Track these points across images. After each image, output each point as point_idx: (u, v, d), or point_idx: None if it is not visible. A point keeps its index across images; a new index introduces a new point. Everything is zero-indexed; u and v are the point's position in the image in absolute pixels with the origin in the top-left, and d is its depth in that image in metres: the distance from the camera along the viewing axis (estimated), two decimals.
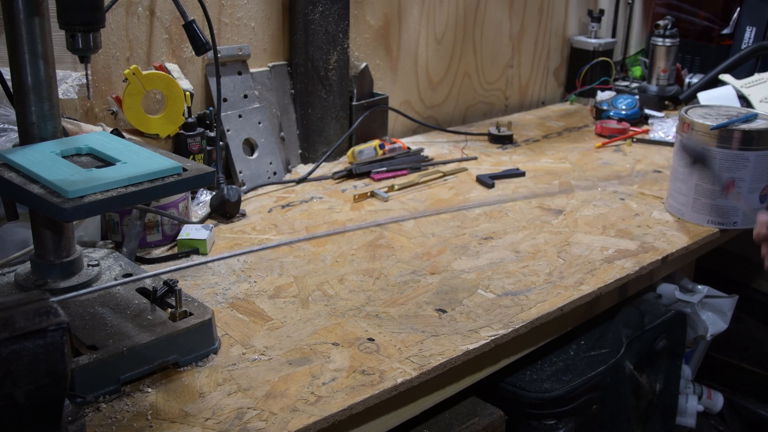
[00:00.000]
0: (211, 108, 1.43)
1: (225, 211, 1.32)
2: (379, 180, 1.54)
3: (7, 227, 1.10)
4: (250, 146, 1.52)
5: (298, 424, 0.80)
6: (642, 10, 2.37)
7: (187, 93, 1.36)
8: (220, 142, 1.41)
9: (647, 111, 1.99)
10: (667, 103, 2.10)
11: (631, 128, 1.88)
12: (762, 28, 2.12)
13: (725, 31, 2.20)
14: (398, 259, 1.19)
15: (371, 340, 0.96)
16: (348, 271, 1.15)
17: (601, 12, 2.17)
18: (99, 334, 0.87)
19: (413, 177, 1.54)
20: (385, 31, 1.75)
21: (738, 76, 1.97)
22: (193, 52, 1.28)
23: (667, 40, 2.07)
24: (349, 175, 1.56)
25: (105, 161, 0.90)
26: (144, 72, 1.29)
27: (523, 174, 1.59)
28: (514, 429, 1.10)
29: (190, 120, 1.38)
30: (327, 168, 1.60)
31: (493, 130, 1.84)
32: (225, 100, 1.47)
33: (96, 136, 0.98)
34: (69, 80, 1.25)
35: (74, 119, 1.24)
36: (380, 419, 0.91)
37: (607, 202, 1.45)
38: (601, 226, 1.33)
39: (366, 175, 1.56)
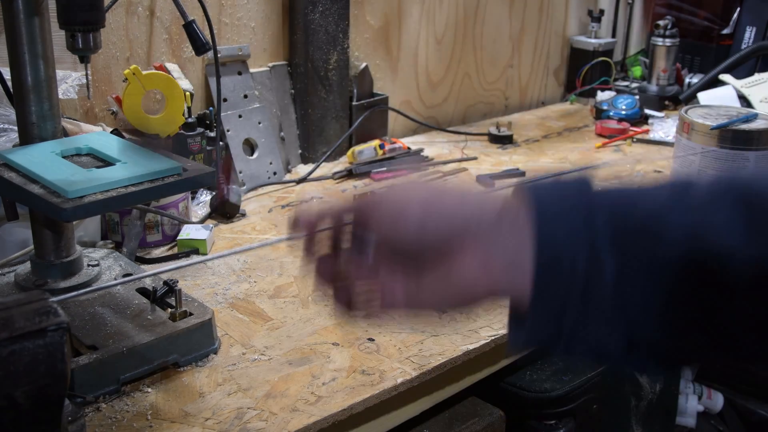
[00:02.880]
0: (211, 108, 1.43)
1: (225, 211, 1.32)
2: (379, 180, 1.54)
3: (7, 227, 1.10)
4: (250, 146, 1.52)
5: (298, 424, 0.80)
6: (642, 10, 2.37)
7: (187, 93, 1.36)
8: (220, 142, 1.41)
9: (647, 111, 1.99)
10: (667, 103, 2.10)
11: (631, 128, 1.88)
12: (762, 28, 2.12)
13: (725, 31, 2.20)
14: None
15: (371, 340, 0.96)
16: None
17: (601, 12, 2.17)
18: (99, 334, 0.87)
19: (413, 177, 1.53)
20: (385, 31, 1.75)
21: (738, 76, 1.97)
22: (193, 52, 1.28)
23: (667, 40, 2.07)
24: (349, 175, 1.56)
25: (105, 161, 0.90)
26: (144, 72, 1.29)
27: (523, 174, 1.59)
28: (514, 429, 1.10)
29: (190, 120, 1.37)
30: (327, 168, 1.60)
31: (493, 130, 1.84)
32: (225, 100, 1.47)
33: (96, 136, 0.98)
34: (69, 80, 1.25)
35: (74, 119, 1.24)
36: (380, 419, 0.91)
37: None
38: None
39: (366, 175, 1.56)
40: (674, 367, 0.53)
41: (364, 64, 1.67)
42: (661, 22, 2.09)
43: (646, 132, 1.87)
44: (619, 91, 2.12)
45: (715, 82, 2.03)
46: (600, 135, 1.87)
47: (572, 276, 0.47)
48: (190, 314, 0.91)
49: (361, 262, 0.55)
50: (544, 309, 0.48)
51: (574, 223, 0.48)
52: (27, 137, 0.90)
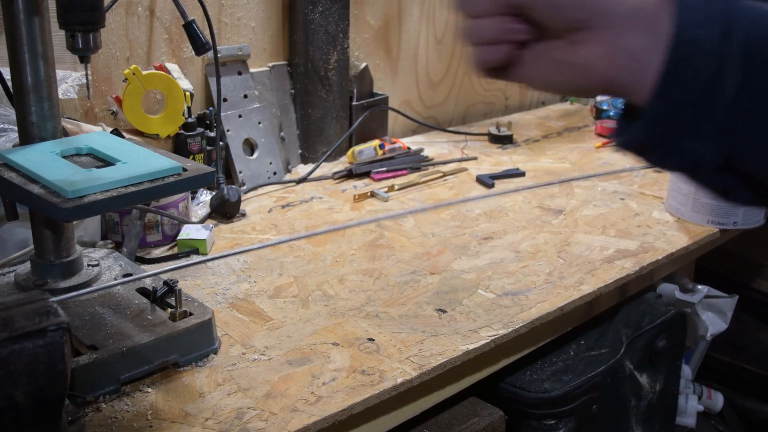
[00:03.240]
0: (211, 108, 1.43)
1: (225, 211, 1.32)
2: (379, 180, 1.54)
3: (7, 227, 1.10)
4: (250, 146, 1.52)
5: (298, 424, 0.80)
6: None
7: (187, 93, 1.36)
8: (220, 142, 1.41)
9: None
10: None
11: None
12: None
13: None
14: (398, 259, 1.19)
15: (371, 340, 0.96)
16: (348, 271, 1.15)
17: None
18: (99, 334, 0.87)
19: (413, 177, 1.54)
20: (385, 31, 1.75)
21: None
22: (193, 52, 1.28)
23: None
24: (349, 175, 1.56)
25: (105, 161, 0.90)
26: (144, 72, 1.29)
27: (523, 174, 1.59)
28: (514, 429, 1.10)
29: (190, 120, 1.38)
30: (327, 168, 1.60)
31: (493, 130, 1.84)
32: (225, 100, 1.47)
33: (96, 136, 0.98)
34: (69, 80, 1.25)
35: (74, 119, 1.24)
36: (380, 419, 0.91)
37: (607, 202, 1.45)
38: (601, 226, 1.33)
39: (366, 175, 1.56)
40: (760, 202, 0.54)
41: (364, 64, 1.67)
42: None
43: None
44: None
45: None
46: (600, 135, 1.88)
47: (695, 82, 0.48)
48: (190, 314, 0.91)
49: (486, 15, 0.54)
50: (661, 108, 0.49)
51: (711, 30, 0.48)
52: (27, 137, 0.90)
